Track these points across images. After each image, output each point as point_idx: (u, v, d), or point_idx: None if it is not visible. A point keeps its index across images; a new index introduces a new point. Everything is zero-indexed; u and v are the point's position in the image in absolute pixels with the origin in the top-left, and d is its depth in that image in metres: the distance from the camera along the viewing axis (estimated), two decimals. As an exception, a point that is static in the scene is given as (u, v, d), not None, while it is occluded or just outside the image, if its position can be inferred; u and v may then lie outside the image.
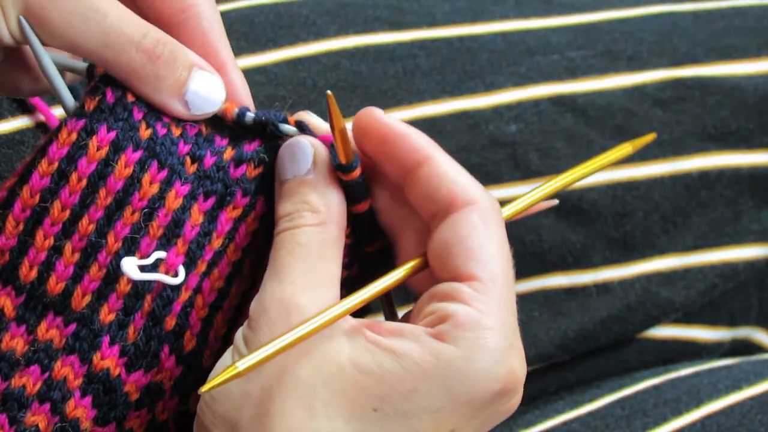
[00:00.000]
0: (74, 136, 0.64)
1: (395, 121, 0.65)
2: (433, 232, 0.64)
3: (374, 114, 0.65)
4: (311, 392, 0.60)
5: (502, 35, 0.95)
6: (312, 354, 0.60)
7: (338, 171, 0.66)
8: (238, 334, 0.62)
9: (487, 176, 0.90)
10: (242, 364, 0.59)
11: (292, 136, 0.67)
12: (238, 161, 0.66)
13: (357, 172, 0.65)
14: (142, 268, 0.64)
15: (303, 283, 0.62)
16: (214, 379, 0.59)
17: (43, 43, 0.65)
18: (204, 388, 0.59)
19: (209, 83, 0.66)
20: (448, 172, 0.65)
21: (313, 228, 0.64)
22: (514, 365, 0.62)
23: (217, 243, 0.65)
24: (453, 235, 0.63)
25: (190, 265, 0.64)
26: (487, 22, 0.96)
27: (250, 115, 0.67)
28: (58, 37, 0.64)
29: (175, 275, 0.64)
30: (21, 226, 0.63)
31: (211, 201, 0.65)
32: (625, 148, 0.74)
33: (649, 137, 0.74)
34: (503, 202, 0.70)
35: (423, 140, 0.65)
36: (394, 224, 0.68)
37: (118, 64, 0.64)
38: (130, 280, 0.63)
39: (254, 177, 0.66)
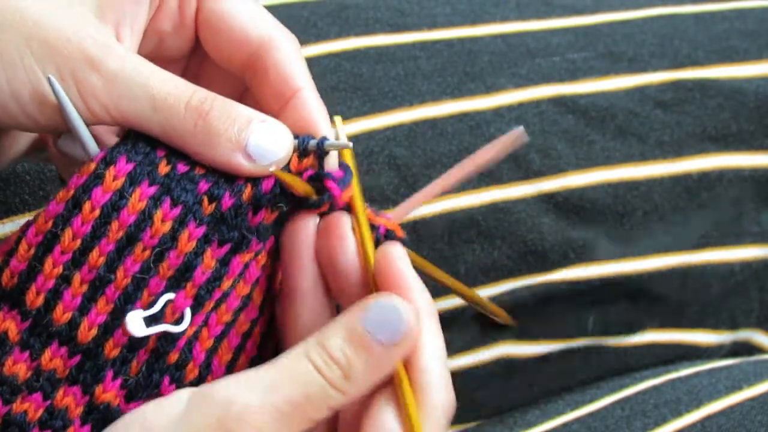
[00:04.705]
0: (92, 166, 0.63)
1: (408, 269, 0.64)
2: None
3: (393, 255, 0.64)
4: None
5: (502, 37, 0.95)
6: None
7: (309, 209, 0.66)
8: None
9: (488, 177, 0.90)
10: None
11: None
12: (256, 206, 0.64)
13: (325, 205, 0.66)
14: (148, 317, 0.63)
15: None
16: None
17: (90, 121, 0.64)
18: None
19: (272, 133, 0.64)
20: None
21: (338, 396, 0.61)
22: None
23: (227, 285, 0.65)
24: None
25: (197, 307, 0.64)
26: (487, 23, 0.96)
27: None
28: (104, 106, 0.63)
29: (181, 319, 0.63)
30: (32, 251, 0.63)
31: (226, 248, 0.64)
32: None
33: None
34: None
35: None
36: None
37: (170, 127, 0.64)
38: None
39: (270, 222, 0.65)
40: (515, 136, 0.72)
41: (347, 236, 0.65)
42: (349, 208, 0.67)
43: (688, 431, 0.84)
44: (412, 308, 0.62)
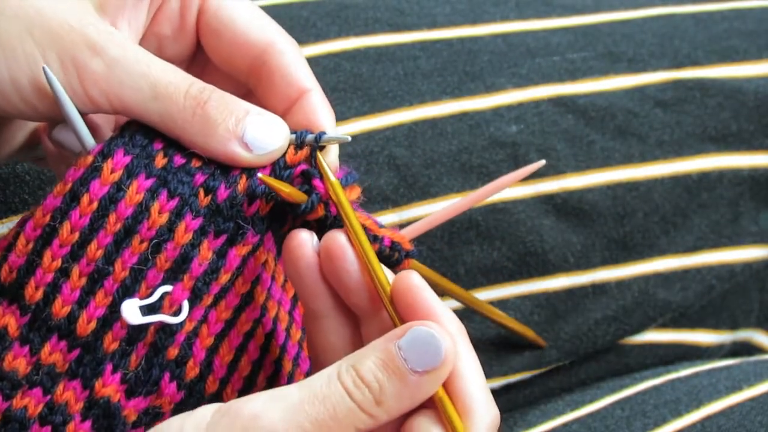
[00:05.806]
0: (90, 158, 0.64)
1: (433, 299, 0.63)
2: None
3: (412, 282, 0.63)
4: None
5: (502, 36, 0.95)
6: None
7: (302, 215, 0.66)
8: None
9: (488, 177, 0.90)
10: None
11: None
12: (251, 197, 0.64)
13: (319, 210, 0.66)
14: (145, 306, 0.63)
15: None
16: None
17: (89, 109, 0.64)
18: None
19: (268, 124, 0.65)
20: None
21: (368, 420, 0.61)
22: None
23: (224, 278, 0.65)
24: None
25: (194, 300, 0.64)
26: (487, 23, 0.96)
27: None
28: (104, 92, 0.64)
29: (178, 311, 0.63)
30: (31, 245, 0.63)
31: (222, 239, 0.64)
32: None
33: None
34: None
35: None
36: None
37: (169, 116, 0.64)
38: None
39: (266, 213, 0.65)
40: (538, 165, 0.73)
41: (347, 256, 0.64)
42: (342, 221, 0.66)
43: (688, 431, 0.84)
44: (449, 336, 0.60)
